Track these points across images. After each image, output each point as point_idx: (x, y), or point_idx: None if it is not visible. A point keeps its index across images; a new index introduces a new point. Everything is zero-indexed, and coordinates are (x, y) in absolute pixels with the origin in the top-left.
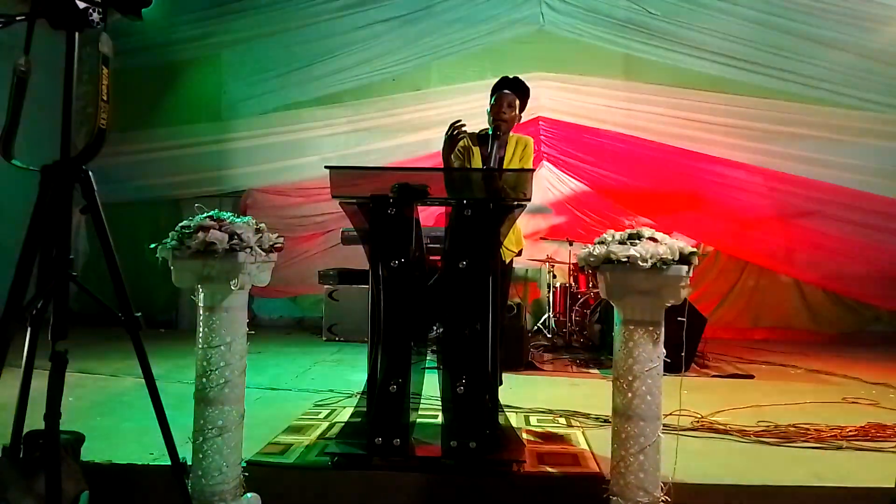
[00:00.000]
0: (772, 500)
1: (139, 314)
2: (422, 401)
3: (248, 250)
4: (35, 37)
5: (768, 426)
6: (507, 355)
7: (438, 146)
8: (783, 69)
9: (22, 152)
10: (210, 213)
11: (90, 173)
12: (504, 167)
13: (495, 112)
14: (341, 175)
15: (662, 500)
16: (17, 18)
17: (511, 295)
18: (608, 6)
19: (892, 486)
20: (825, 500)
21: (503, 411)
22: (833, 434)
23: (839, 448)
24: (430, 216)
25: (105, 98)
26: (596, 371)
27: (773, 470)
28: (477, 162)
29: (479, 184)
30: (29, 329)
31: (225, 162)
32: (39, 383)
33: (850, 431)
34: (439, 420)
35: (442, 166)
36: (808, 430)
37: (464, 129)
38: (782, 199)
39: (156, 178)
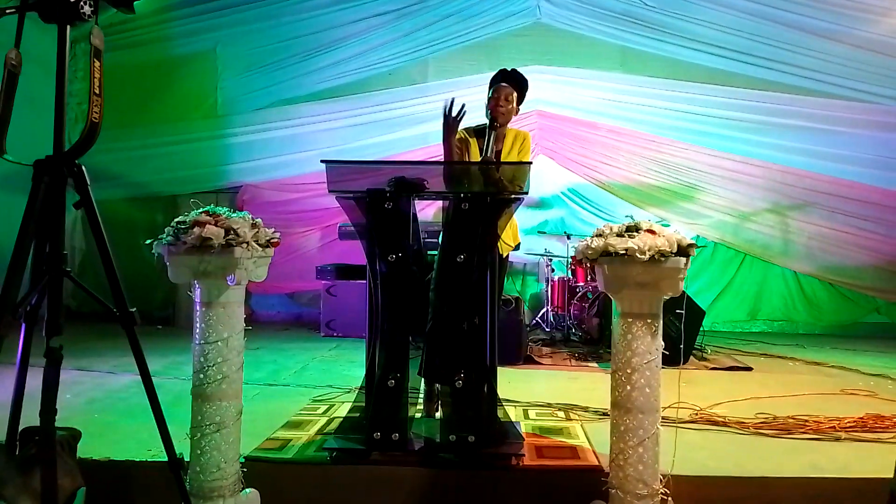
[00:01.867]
0: (770, 492)
1: (134, 309)
2: (420, 395)
3: (245, 245)
4: (29, 33)
5: (767, 418)
6: (505, 349)
7: (436, 140)
8: (780, 61)
9: (17, 149)
10: (206, 209)
11: (83, 168)
12: (501, 160)
13: (492, 105)
14: (338, 169)
15: (661, 493)
16: (7, 11)
17: (508, 289)
18: None
19: (891, 476)
20: (824, 491)
21: (502, 405)
22: (831, 425)
23: (838, 439)
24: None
25: (97, 91)
26: (594, 364)
27: (772, 461)
28: (474, 155)
29: (476, 177)
30: (23, 325)
31: (221, 158)
32: (36, 380)
33: (849, 422)
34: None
35: (440, 159)
36: (806, 421)
37: (464, 111)
38: (779, 191)
39: (152, 174)
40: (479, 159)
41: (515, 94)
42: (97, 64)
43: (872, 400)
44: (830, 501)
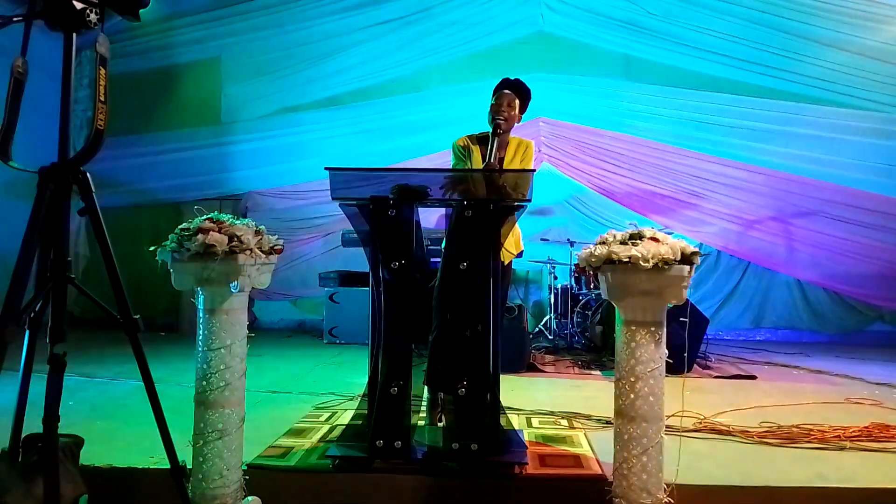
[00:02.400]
0: (776, 501)
1: (138, 316)
2: (423, 403)
3: (248, 252)
4: (35, 41)
5: (771, 427)
6: (508, 357)
7: (439, 147)
8: (784, 69)
9: (23, 156)
10: (209, 216)
11: (88, 175)
12: (504, 168)
13: (495, 111)
14: (341, 177)
15: (665, 502)
16: (14, 19)
17: (511, 297)
18: (608, 6)
19: None
20: (829, 501)
21: (505, 413)
22: (836, 434)
23: (842, 448)
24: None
25: (102, 99)
26: (598, 372)
27: (777, 471)
28: (477, 162)
29: (479, 184)
30: (27, 332)
31: (225, 165)
32: (39, 387)
33: (854, 432)
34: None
35: (443, 166)
36: (811, 430)
37: None
38: (783, 199)
39: (156, 181)
40: (482, 166)
41: (518, 102)
42: (102, 71)
43: (877, 409)
44: None
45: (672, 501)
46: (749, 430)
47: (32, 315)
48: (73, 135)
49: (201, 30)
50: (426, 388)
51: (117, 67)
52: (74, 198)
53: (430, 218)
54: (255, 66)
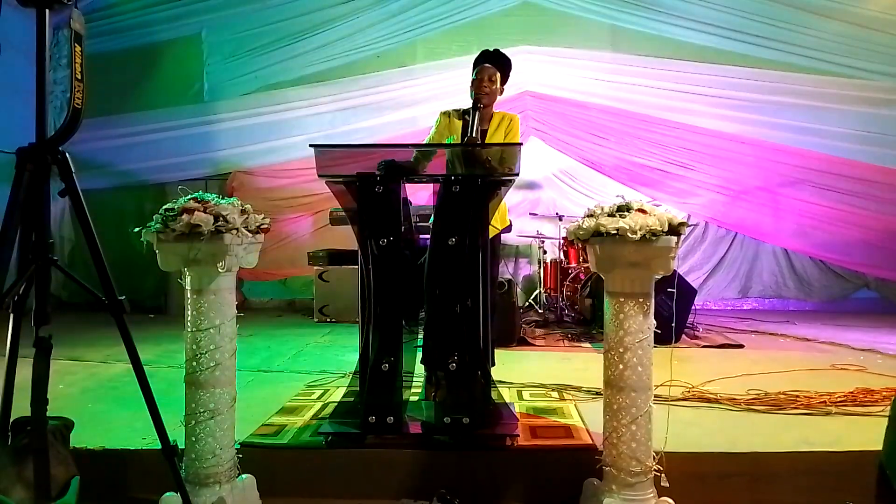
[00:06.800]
0: (762, 467)
1: (123, 297)
2: (414, 378)
3: (234, 232)
4: (10, 20)
5: (758, 394)
6: (498, 331)
7: (425, 123)
8: (770, 38)
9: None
10: (194, 195)
11: (67, 155)
12: (486, 141)
13: (476, 86)
14: (327, 154)
15: (655, 470)
16: None
17: (501, 272)
18: None
19: (880, 449)
20: (815, 465)
21: (496, 387)
22: (822, 400)
23: (828, 414)
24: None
25: (79, 77)
26: (587, 345)
27: (764, 437)
28: (456, 133)
29: (461, 157)
30: (11, 315)
31: (209, 144)
32: (28, 371)
33: (839, 397)
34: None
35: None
36: (797, 396)
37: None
38: (770, 169)
39: (140, 162)
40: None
41: (499, 75)
42: (78, 49)
43: (862, 374)
44: (822, 475)
45: (661, 469)
46: (736, 397)
47: (16, 299)
48: (53, 116)
49: (180, 6)
50: (423, 366)
51: (96, 46)
52: (56, 180)
53: (421, 193)
54: (238, 42)
